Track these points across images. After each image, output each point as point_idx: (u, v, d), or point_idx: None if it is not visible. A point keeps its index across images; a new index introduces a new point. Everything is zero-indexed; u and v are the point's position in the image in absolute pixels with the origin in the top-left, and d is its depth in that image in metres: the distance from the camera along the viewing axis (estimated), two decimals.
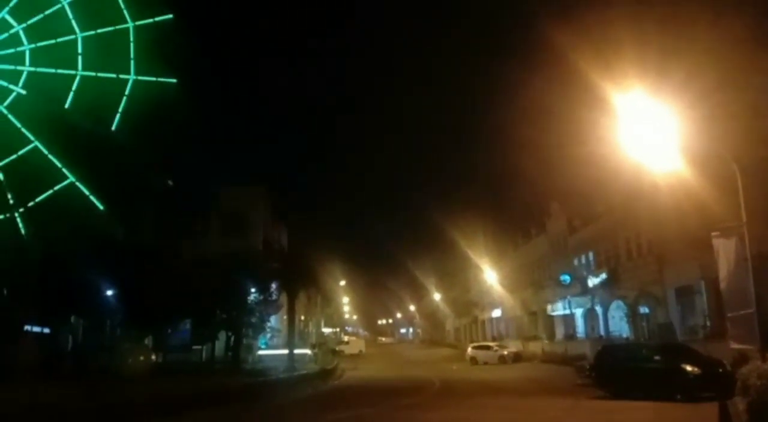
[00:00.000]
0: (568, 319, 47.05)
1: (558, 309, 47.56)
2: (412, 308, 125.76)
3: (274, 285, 39.86)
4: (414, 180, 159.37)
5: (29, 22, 35.11)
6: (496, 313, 65.98)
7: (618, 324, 38.82)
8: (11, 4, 34.96)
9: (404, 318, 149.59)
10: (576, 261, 46.70)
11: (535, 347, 49.08)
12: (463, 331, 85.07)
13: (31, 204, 33.22)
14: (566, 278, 45.04)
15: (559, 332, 48.79)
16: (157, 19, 35.07)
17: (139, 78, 34.74)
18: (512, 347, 50.01)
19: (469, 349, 49.53)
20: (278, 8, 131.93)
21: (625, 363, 21.28)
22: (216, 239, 45.67)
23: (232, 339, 38.52)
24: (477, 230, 57.56)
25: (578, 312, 45.43)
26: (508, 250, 60.25)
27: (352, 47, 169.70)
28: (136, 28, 35.05)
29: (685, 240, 27.66)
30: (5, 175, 33.66)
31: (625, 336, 37.04)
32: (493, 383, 29.88)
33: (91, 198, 33.01)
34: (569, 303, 44.22)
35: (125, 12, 35.13)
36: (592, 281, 41.73)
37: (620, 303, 37.79)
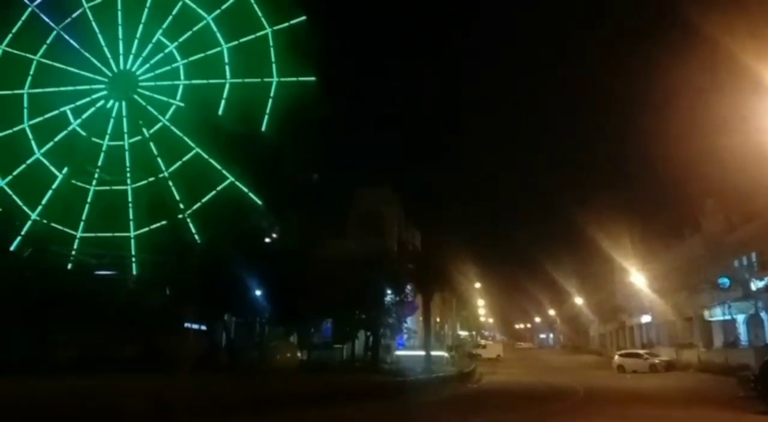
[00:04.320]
0: (729, 326, 43.15)
1: (716, 314, 43.80)
2: (551, 312, 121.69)
3: (409, 287, 40.31)
4: (554, 179, 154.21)
5: (180, 41, 38.54)
6: (646, 319, 62.01)
7: None
8: (164, 27, 38.52)
9: (544, 323, 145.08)
10: (736, 263, 42.77)
11: (690, 355, 45.53)
12: (608, 337, 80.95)
13: (197, 205, 36.07)
14: (725, 281, 41.34)
15: (718, 339, 44.87)
16: (292, 22, 36.92)
17: (282, 79, 36.75)
18: (664, 355, 46.79)
19: (616, 357, 47.03)
20: (409, 7, 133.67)
21: None
22: (353, 239, 47.06)
23: (371, 338, 39.44)
24: (623, 231, 54.40)
25: (740, 318, 41.55)
26: (657, 252, 56.34)
27: (484, 45, 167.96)
28: (273, 32, 37.22)
29: None
30: (173, 181, 36.87)
31: None
32: (644, 393, 28.06)
33: (250, 194, 35.32)
34: (729, 308, 40.57)
35: (263, 19, 37.48)
36: (756, 284, 37.99)
37: None
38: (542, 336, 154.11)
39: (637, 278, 57.38)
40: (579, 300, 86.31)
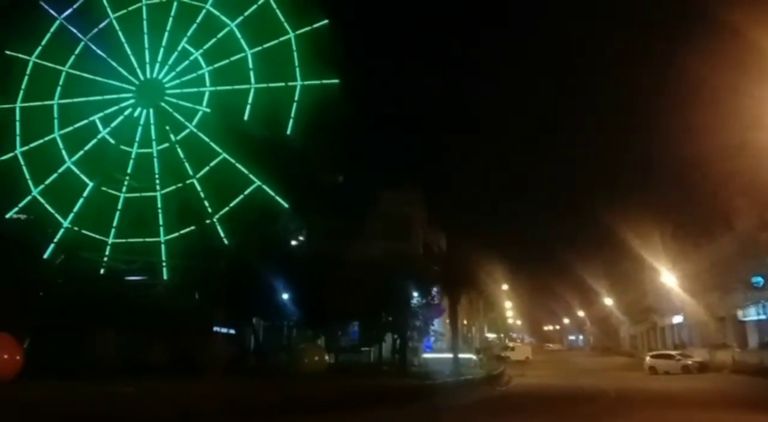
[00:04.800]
0: (764, 325, 42.14)
1: (750, 314, 42.83)
2: (581, 314, 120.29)
3: (435, 289, 40.19)
4: (582, 178, 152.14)
5: (205, 48, 38.96)
6: (677, 319, 60.89)
7: None
8: (189, 34, 39.02)
9: (573, 325, 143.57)
10: None
11: (723, 356, 44.58)
12: (639, 339, 79.75)
13: (225, 210, 36.41)
14: (759, 280, 40.44)
15: (753, 340, 43.84)
16: (314, 25, 37.11)
17: (305, 83, 36.97)
18: (697, 356, 45.92)
19: (648, 358, 46.36)
20: (437, 7, 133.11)
21: None
22: (378, 241, 47.02)
23: (398, 341, 39.41)
24: (653, 229, 53.52)
25: None
26: (688, 251, 55.33)
27: (505, 44, 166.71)
28: (296, 36, 37.47)
29: None
30: (201, 187, 37.30)
31: None
32: (676, 395, 27.53)
33: (277, 198, 35.55)
34: (764, 307, 39.65)
35: (285, 24, 37.70)
36: None
37: None
38: (571, 337, 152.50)
39: (668, 278, 56.43)
40: (609, 301, 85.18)
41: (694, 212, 52.47)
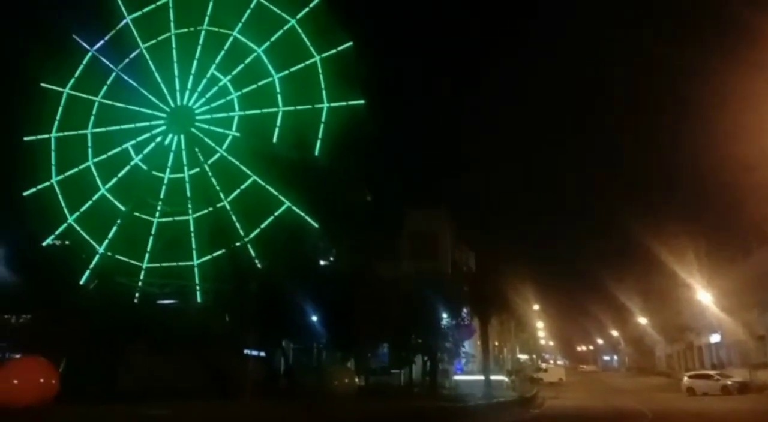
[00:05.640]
0: None
1: None
2: (614, 333, 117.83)
3: (465, 310, 39.82)
4: (612, 194, 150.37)
5: (233, 74, 39.80)
6: (715, 338, 59.28)
7: None
8: (217, 61, 39.90)
9: (607, 345, 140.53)
10: None
11: (765, 376, 43.17)
12: (676, 358, 77.83)
13: (256, 232, 36.73)
14: None
15: None
16: (339, 48, 37.60)
17: (332, 105, 37.43)
18: (737, 376, 44.54)
19: (685, 379, 45.12)
20: (460, 18, 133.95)
21: None
22: (406, 261, 46.88)
23: (428, 363, 39.04)
24: (687, 245, 52.39)
25: None
26: (724, 267, 53.95)
27: (538, 60, 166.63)
28: (322, 59, 38.04)
29: None
30: (233, 209, 37.78)
31: None
32: (717, 416, 26.73)
33: (307, 218, 35.80)
34: None
35: (311, 48, 38.32)
36: None
37: None
38: (606, 358, 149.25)
39: (704, 295, 55.06)
40: (643, 320, 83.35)
41: (728, 225, 51.30)
